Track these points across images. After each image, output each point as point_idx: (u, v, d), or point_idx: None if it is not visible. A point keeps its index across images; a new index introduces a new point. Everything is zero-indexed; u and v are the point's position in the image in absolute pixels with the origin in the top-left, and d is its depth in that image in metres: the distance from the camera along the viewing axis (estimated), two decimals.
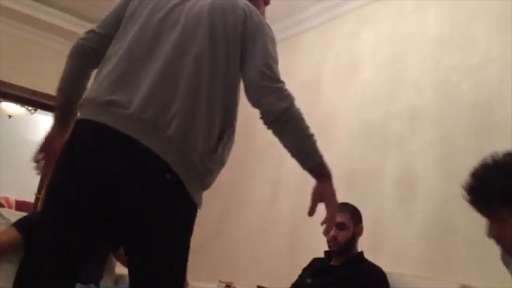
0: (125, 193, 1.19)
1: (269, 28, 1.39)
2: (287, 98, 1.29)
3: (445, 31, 2.62)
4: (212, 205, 2.69)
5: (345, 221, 2.13)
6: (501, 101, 2.25)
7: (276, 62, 1.35)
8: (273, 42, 1.38)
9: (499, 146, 2.20)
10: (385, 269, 2.17)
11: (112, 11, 1.44)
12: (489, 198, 1.21)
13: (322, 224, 1.35)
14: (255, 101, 1.31)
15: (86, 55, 1.41)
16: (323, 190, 1.36)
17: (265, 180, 3.54)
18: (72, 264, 1.24)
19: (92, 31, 1.43)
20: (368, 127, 2.90)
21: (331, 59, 3.33)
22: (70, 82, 1.43)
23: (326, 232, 1.35)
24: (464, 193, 1.25)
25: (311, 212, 1.36)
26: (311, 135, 1.32)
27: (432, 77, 2.61)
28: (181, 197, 1.22)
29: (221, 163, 1.34)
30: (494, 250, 2.09)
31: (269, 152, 3.57)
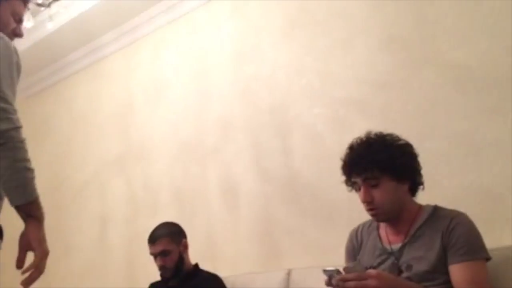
0: None
1: (6, 46, 1.32)
2: (10, 121, 1.21)
3: (238, 46, 2.86)
4: None
5: (165, 247, 2.15)
6: (291, 102, 2.56)
7: (6, 80, 1.26)
8: (8, 62, 1.29)
9: (296, 140, 2.51)
10: (224, 274, 2.27)
11: None
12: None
13: (22, 273, 1.24)
14: None
15: None
16: (29, 236, 1.25)
17: (91, 218, 3.34)
18: None
19: None
20: (185, 143, 2.98)
21: (138, 83, 3.32)
22: None
23: (25, 283, 1.23)
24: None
25: (19, 263, 1.26)
26: (28, 169, 1.22)
27: (235, 88, 2.82)
28: None
29: None
30: (310, 235, 2.37)
31: (88, 188, 3.37)
